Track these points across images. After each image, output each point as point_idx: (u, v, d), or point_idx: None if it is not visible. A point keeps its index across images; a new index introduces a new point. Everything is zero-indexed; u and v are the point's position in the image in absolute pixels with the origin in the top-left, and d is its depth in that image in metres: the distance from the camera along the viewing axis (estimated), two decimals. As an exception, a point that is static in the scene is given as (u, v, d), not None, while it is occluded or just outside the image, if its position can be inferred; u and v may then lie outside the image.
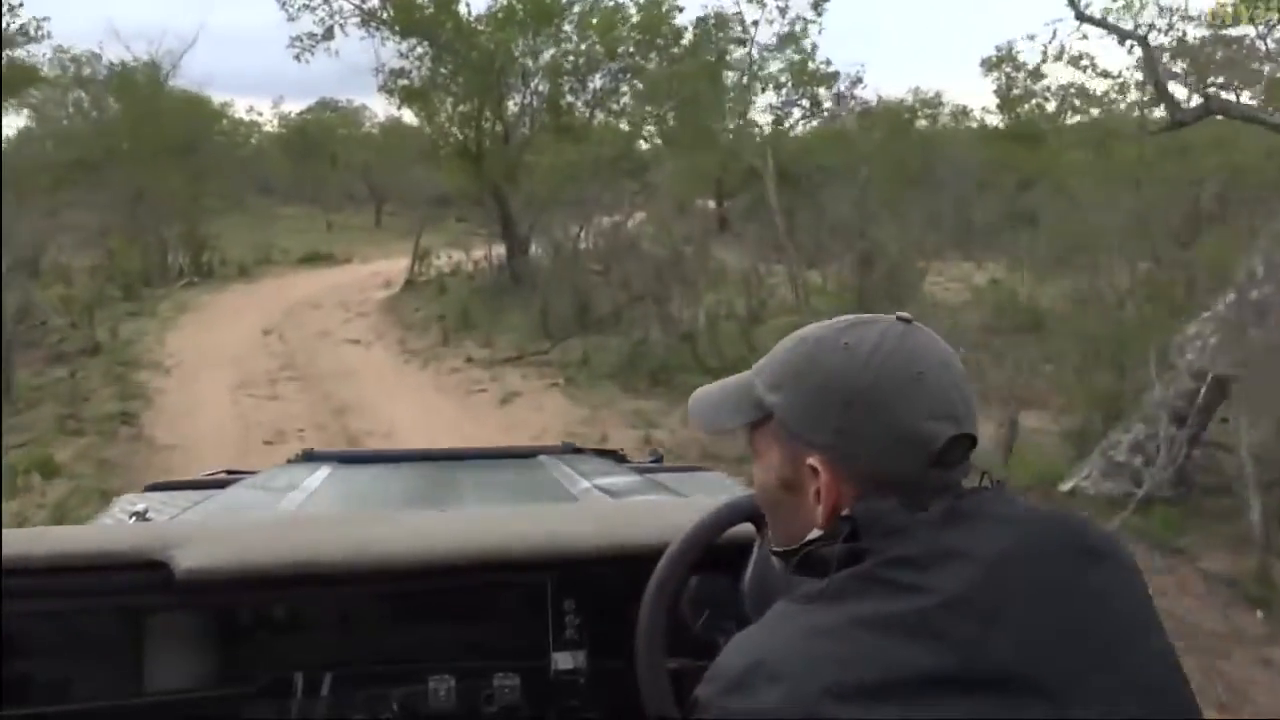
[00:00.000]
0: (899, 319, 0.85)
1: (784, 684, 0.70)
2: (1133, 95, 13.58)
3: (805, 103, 18.37)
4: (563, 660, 1.35)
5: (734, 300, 12.01)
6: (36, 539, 1.36)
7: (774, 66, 16.92)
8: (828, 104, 18.43)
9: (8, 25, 13.62)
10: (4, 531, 1.29)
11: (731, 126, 16.00)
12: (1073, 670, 0.70)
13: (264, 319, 13.49)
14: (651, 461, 2.81)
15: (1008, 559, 0.73)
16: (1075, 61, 11.64)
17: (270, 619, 1.34)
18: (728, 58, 16.09)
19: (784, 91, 17.62)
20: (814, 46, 16.45)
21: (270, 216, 29.40)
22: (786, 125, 18.38)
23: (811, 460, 0.82)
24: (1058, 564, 0.75)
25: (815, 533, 0.83)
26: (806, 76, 17.32)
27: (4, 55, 14.25)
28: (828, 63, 17.25)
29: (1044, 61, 11.62)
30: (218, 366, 10.41)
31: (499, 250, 15.34)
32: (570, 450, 2.65)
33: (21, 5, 14.03)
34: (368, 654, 1.35)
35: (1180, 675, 0.76)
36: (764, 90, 17.13)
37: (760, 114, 17.35)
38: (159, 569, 1.26)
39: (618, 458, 2.72)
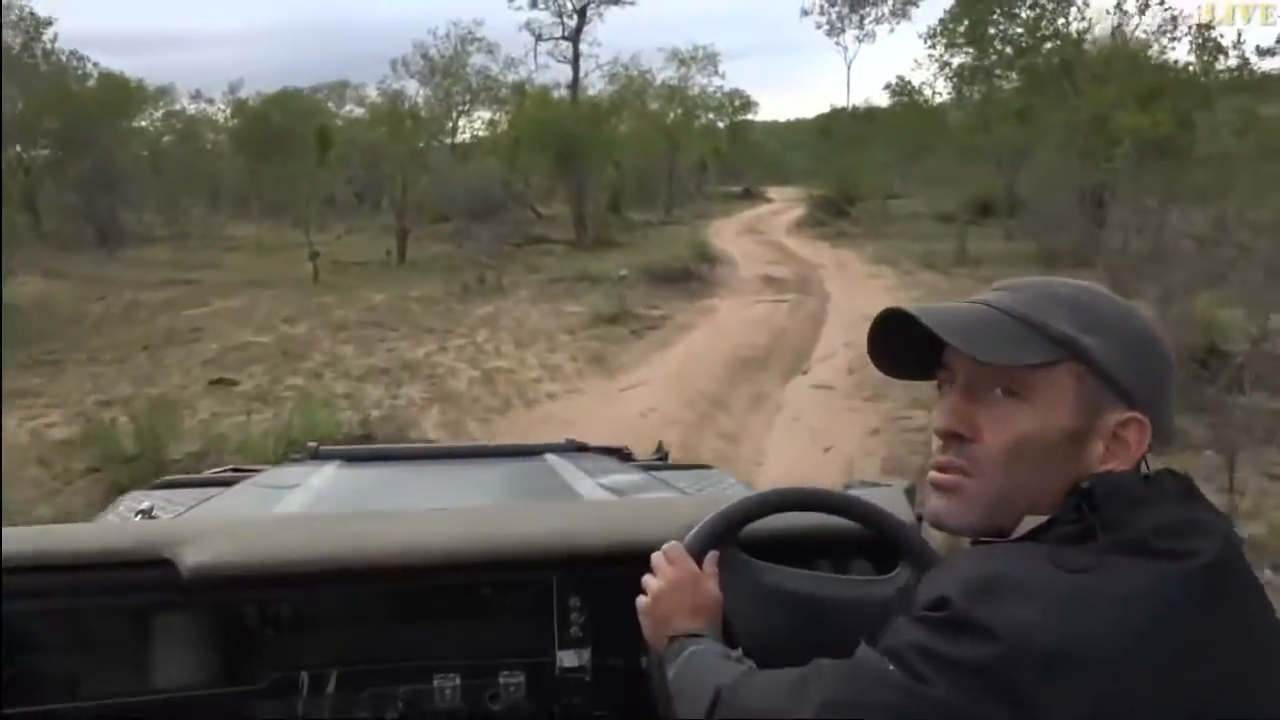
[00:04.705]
0: None
1: (1037, 601, 0.68)
2: None
3: None
4: (568, 658, 1.34)
5: None
6: (41, 537, 1.36)
7: None
8: None
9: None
10: (9, 530, 1.29)
11: None
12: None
13: None
14: (657, 459, 2.81)
15: (1234, 538, 0.74)
16: None
17: (276, 617, 1.34)
18: None
19: None
20: None
21: (216, 243, 20.39)
22: None
23: (1133, 413, 0.80)
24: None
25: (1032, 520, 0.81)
26: None
27: (2, 53, 14.03)
28: None
29: None
30: None
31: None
32: (575, 448, 2.64)
33: None
34: (373, 652, 1.35)
35: None
36: None
37: None
38: (165, 567, 1.26)
39: (623, 456, 2.71)
